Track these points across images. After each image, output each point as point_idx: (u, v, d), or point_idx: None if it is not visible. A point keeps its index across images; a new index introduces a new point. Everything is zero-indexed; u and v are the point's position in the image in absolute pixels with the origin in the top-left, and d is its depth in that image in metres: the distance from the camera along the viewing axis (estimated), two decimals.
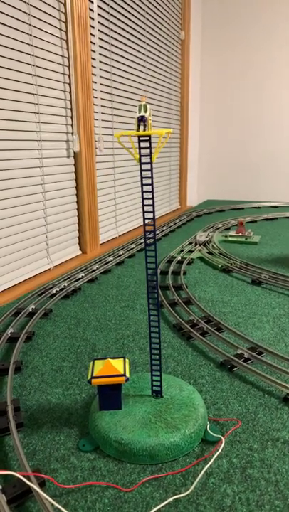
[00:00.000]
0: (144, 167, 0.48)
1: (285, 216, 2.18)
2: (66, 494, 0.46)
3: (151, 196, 0.48)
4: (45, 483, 0.47)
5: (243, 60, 2.59)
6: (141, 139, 0.47)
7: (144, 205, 0.49)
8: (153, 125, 2.12)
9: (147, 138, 0.46)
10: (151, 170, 0.48)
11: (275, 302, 1.00)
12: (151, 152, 0.47)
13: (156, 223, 2.06)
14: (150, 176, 0.48)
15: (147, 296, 0.55)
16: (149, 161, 0.47)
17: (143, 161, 0.48)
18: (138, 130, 0.46)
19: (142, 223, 1.98)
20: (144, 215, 0.50)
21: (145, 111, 0.45)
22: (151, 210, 0.49)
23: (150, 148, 0.47)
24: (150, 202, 0.49)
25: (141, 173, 0.49)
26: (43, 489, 0.46)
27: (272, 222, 2.08)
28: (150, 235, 0.51)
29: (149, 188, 0.49)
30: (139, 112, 0.45)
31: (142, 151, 0.47)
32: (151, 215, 0.49)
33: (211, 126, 2.79)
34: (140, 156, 0.47)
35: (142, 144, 0.47)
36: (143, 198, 0.49)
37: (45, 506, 0.42)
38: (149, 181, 0.49)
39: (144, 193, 0.49)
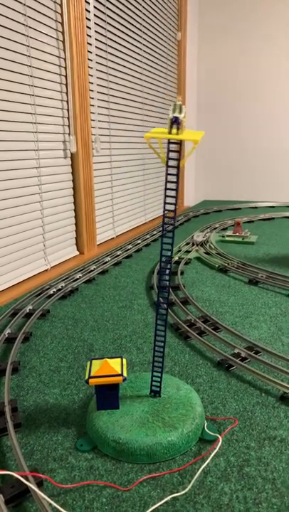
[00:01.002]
0: (170, 171, 0.44)
1: (282, 216, 2.19)
2: (64, 494, 0.46)
3: (174, 201, 0.46)
4: (43, 482, 0.47)
5: (239, 60, 2.60)
6: (171, 141, 0.42)
7: (165, 203, 0.46)
8: (151, 127, 2.12)
9: (178, 142, 0.42)
10: (177, 174, 0.44)
11: (272, 302, 1.00)
12: (180, 156, 0.43)
13: (153, 223, 2.07)
14: (176, 180, 0.44)
15: (158, 292, 0.54)
16: (176, 164, 0.43)
17: (170, 164, 0.44)
18: (170, 132, 0.42)
19: (139, 224, 1.99)
20: (164, 210, 0.47)
21: (180, 111, 0.40)
22: (173, 208, 0.46)
23: (180, 151, 0.43)
24: (172, 208, 0.46)
25: (166, 176, 0.45)
26: (41, 489, 0.46)
27: (270, 222, 2.08)
28: (171, 222, 0.49)
29: (173, 185, 0.45)
30: (173, 112, 0.40)
31: (171, 154, 0.43)
32: (172, 209, 0.47)
33: (207, 126, 2.80)
34: (168, 159, 0.43)
35: (172, 147, 0.43)
36: (165, 203, 0.46)
37: (43, 506, 0.42)
38: (174, 186, 0.45)
39: (167, 198, 0.46)
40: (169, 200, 0.46)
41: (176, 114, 0.40)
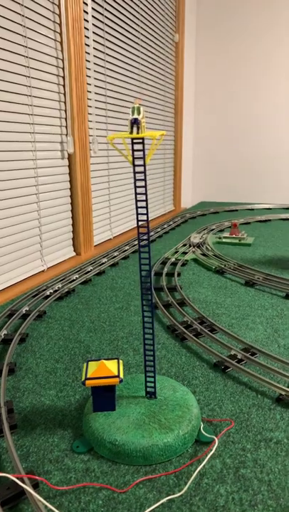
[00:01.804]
0: (137, 169, 0.48)
1: (279, 218, 2.19)
2: (60, 496, 0.46)
3: (144, 198, 0.48)
4: (38, 484, 0.47)
5: (237, 62, 2.61)
6: (134, 141, 0.46)
7: (137, 207, 0.49)
8: (147, 127, 2.12)
9: (140, 140, 0.46)
10: (144, 172, 0.48)
11: (268, 303, 1.01)
12: (144, 154, 0.47)
13: (151, 225, 2.07)
14: (143, 178, 0.48)
15: (141, 297, 0.55)
16: (142, 163, 0.47)
17: (136, 163, 0.47)
18: (131, 132, 0.45)
19: (136, 225, 1.98)
20: (137, 217, 0.50)
21: (138, 113, 0.44)
22: (145, 212, 0.49)
23: (144, 150, 0.47)
24: (144, 204, 0.49)
25: (134, 175, 0.48)
26: (37, 491, 0.46)
27: (266, 224, 2.09)
28: (144, 237, 0.51)
29: (142, 190, 0.49)
30: (132, 114, 0.45)
31: (136, 153, 0.47)
32: (144, 217, 0.49)
33: (205, 128, 2.81)
34: (133, 158, 0.47)
35: (136, 147, 0.46)
36: (137, 200, 0.49)
37: (39, 508, 0.42)
38: (142, 183, 0.48)
39: (138, 195, 0.49)
40: (140, 197, 0.49)
41: (135, 116, 0.44)
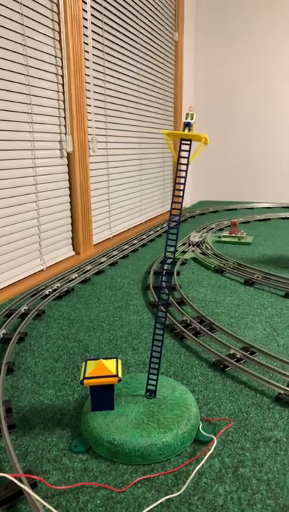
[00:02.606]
0: (180, 167, 0.52)
1: (278, 217, 2.19)
2: (58, 495, 0.45)
3: (181, 195, 0.52)
4: (36, 484, 0.47)
5: (236, 61, 2.60)
6: (182, 142, 0.50)
7: (173, 202, 0.53)
8: (147, 127, 2.13)
9: (189, 142, 0.50)
10: (186, 171, 0.52)
11: (268, 302, 1.01)
12: (189, 155, 0.51)
13: (150, 224, 2.07)
14: (184, 176, 0.52)
15: (158, 296, 0.55)
16: (186, 162, 0.51)
17: (181, 161, 0.51)
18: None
19: (135, 224, 1.99)
20: (171, 206, 0.53)
21: (192, 118, 0.50)
22: (180, 201, 0.53)
23: (189, 151, 0.51)
24: (180, 200, 0.53)
25: (176, 172, 0.54)
26: (35, 490, 0.46)
27: (265, 222, 2.09)
28: (175, 219, 0.54)
29: (181, 186, 0.52)
30: (186, 118, 0.50)
31: (182, 153, 0.51)
32: (178, 206, 0.53)
33: (204, 127, 2.80)
34: (179, 157, 0.51)
35: (183, 147, 0.50)
36: (173, 196, 0.53)
37: (37, 508, 0.42)
38: (182, 180, 0.52)
39: (176, 191, 0.53)
40: (177, 193, 0.53)
41: (189, 120, 0.50)
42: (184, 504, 0.44)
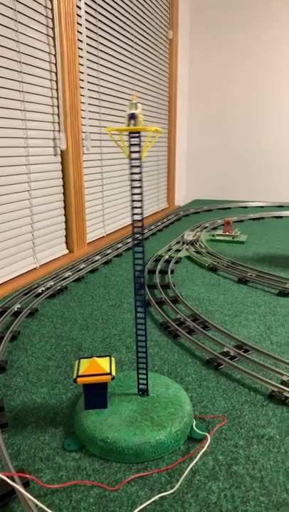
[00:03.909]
0: (133, 163, 0.49)
1: (272, 216, 2.20)
2: (51, 494, 0.45)
3: (140, 191, 0.49)
4: (29, 483, 0.46)
5: (231, 59, 2.60)
6: (131, 134, 0.48)
7: (133, 201, 0.50)
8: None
9: (137, 134, 0.47)
10: (140, 166, 0.49)
11: (261, 300, 1.01)
12: (140, 148, 0.48)
13: (145, 222, 2.06)
14: (139, 171, 0.49)
15: (135, 293, 0.54)
16: (138, 156, 0.48)
17: (132, 156, 0.49)
18: (129, 126, 0.47)
19: (130, 222, 1.98)
20: (132, 212, 0.50)
21: (136, 108, 0.46)
22: (140, 205, 0.50)
23: (139, 144, 0.48)
24: (139, 197, 0.49)
25: (130, 168, 0.49)
26: (27, 489, 0.45)
27: (259, 221, 2.10)
28: (138, 233, 0.51)
29: (138, 183, 0.49)
30: (130, 109, 0.47)
31: (132, 147, 0.48)
32: (139, 211, 0.50)
33: (198, 126, 2.80)
34: (130, 152, 0.48)
35: (132, 140, 0.48)
36: (132, 194, 0.50)
37: (29, 507, 0.41)
38: (138, 177, 0.49)
39: (133, 189, 0.50)
40: (135, 190, 0.49)
41: (133, 111, 0.46)
42: (177, 502, 0.44)
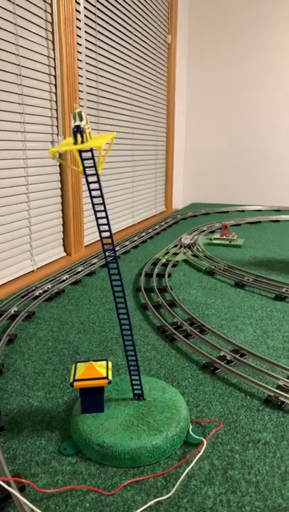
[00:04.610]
0: (90, 179, 0.43)
1: (269, 220, 2.21)
2: (46, 499, 0.45)
3: (103, 208, 0.44)
4: (25, 487, 0.46)
5: (229, 63, 2.62)
6: (82, 151, 0.42)
7: (97, 218, 0.44)
8: (140, 128, 2.11)
9: (88, 150, 0.42)
10: (98, 181, 0.43)
11: (258, 304, 1.01)
12: (95, 163, 0.43)
13: (142, 225, 2.07)
14: (99, 187, 0.43)
15: (115, 306, 0.53)
16: (94, 172, 0.43)
17: (88, 172, 0.43)
18: (76, 142, 0.41)
19: (129, 224, 1.99)
20: (99, 229, 0.45)
21: (80, 119, 0.40)
22: (106, 222, 0.45)
23: (93, 158, 0.43)
24: (103, 214, 0.44)
25: (88, 186, 0.44)
26: (23, 494, 0.45)
27: (256, 225, 2.10)
28: (110, 251, 0.46)
29: (99, 200, 0.44)
30: (74, 121, 0.40)
31: (85, 162, 0.42)
32: (106, 227, 0.45)
33: (197, 129, 2.81)
34: (84, 168, 0.43)
35: (84, 155, 0.42)
36: (95, 211, 0.44)
37: (25, 511, 0.41)
38: (98, 193, 0.44)
39: (96, 206, 0.44)
40: (98, 207, 0.44)
41: (78, 123, 0.40)
42: (173, 507, 0.44)
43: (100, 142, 0.41)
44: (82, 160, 0.42)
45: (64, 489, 0.46)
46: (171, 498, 0.45)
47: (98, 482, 0.47)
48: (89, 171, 0.43)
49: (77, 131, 0.40)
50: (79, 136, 0.40)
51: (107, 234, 0.45)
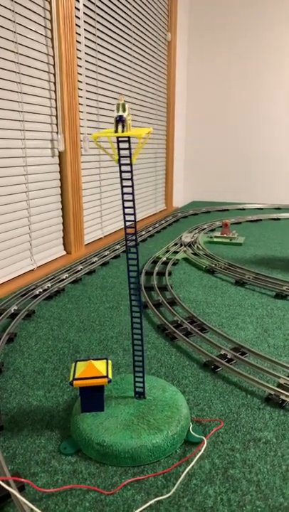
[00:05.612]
0: (123, 168, 0.46)
1: (269, 218, 2.20)
2: (46, 498, 0.45)
3: (131, 198, 0.47)
4: (24, 487, 0.46)
5: (229, 61, 2.61)
6: (120, 139, 0.44)
7: (124, 207, 0.48)
8: (139, 126, 2.11)
9: (126, 139, 0.44)
10: (131, 171, 0.46)
11: (258, 303, 1.01)
12: (130, 153, 0.45)
13: (142, 224, 2.06)
14: (130, 177, 0.46)
15: (130, 298, 0.54)
16: (128, 162, 0.45)
17: (122, 162, 0.46)
18: (116, 131, 0.44)
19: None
20: (124, 218, 0.48)
21: (124, 110, 0.43)
22: (132, 212, 0.48)
23: (130, 149, 0.45)
24: (131, 204, 0.47)
25: (120, 174, 0.47)
26: (23, 494, 0.45)
27: (257, 223, 2.10)
28: (132, 238, 0.49)
29: (129, 189, 0.47)
30: (118, 111, 0.43)
31: (121, 152, 0.45)
32: (132, 218, 0.48)
33: (197, 128, 2.81)
34: (119, 157, 0.45)
35: (121, 145, 0.45)
36: (123, 200, 0.48)
37: (25, 511, 0.41)
38: (129, 183, 0.47)
39: (125, 195, 0.47)
40: (126, 197, 0.47)
41: (120, 113, 0.43)
42: (173, 506, 0.44)
43: (140, 131, 0.44)
44: (119, 149, 0.45)
45: (64, 488, 0.46)
46: (172, 498, 0.45)
47: (98, 481, 0.47)
48: (123, 160, 0.46)
49: (120, 120, 0.43)
50: (120, 125, 0.43)
51: (132, 218, 0.48)
